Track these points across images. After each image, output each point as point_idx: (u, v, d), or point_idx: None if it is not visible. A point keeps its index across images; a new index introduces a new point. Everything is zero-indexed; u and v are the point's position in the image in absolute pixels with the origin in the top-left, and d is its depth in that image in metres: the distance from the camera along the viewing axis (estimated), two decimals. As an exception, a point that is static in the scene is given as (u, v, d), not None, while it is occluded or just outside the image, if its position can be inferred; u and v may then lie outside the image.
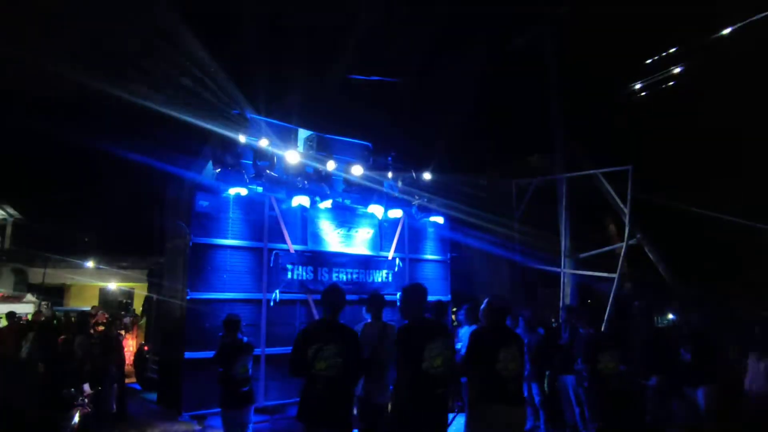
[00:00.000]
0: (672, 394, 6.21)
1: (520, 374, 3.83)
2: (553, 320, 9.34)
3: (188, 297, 6.28)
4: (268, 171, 6.88)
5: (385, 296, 4.92)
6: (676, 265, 9.27)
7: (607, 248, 9.57)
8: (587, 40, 11.57)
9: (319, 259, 7.30)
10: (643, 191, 8.77)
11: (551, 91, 10.95)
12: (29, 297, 15.53)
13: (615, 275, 8.89)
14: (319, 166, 7.25)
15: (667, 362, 5.93)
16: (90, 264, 19.91)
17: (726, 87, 10.89)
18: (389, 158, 8.10)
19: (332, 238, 7.50)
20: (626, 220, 8.58)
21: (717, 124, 11.34)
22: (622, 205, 8.67)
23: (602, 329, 7.86)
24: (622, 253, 8.67)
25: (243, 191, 6.70)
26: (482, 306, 4.02)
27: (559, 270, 10.00)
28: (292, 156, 7.07)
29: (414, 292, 3.75)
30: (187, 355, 6.14)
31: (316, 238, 7.37)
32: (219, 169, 6.50)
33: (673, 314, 5.89)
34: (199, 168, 7.12)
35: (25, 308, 14.33)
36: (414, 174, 8.29)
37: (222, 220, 6.67)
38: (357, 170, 7.53)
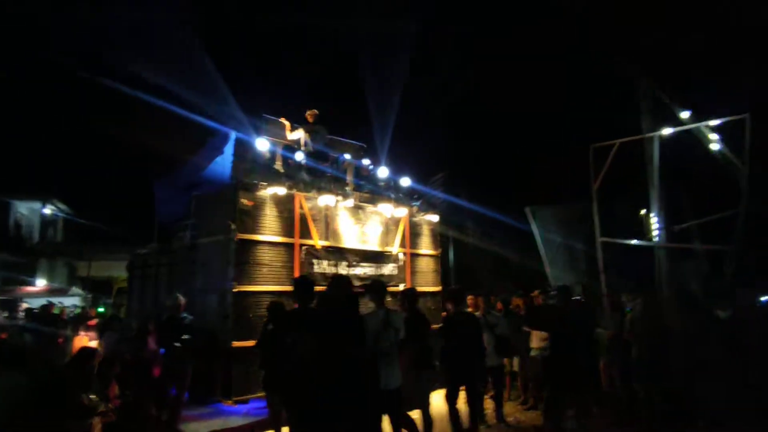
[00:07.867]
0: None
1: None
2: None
3: (234, 290, 6.53)
4: (302, 172, 7.48)
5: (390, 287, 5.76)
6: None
7: (713, 217, 7.91)
8: None
9: (339, 255, 7.85)
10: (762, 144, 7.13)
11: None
12: (75, 290, 15.41)
13: (723, 249, 7.36)
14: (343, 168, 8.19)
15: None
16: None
17: None
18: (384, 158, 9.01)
19: (349, 235, 8.05)
20: (744, 182, 6.99)
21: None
22: (737, 162, 7.08)
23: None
24: (739, 222, 7.08)
25: (279, 190, 7.10)
26: None
27: (650, 244, 8.50)
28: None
29: (338, 281, 4.12)
30: (234, 344, 6.42)
31: (336, 234, 7.90)
32: (252, 169, 7.04)
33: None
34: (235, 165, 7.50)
35: (72, 301, 14.24)
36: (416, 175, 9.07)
37: (259, 217, 6.97)
38: (368, 170, 8.66)
